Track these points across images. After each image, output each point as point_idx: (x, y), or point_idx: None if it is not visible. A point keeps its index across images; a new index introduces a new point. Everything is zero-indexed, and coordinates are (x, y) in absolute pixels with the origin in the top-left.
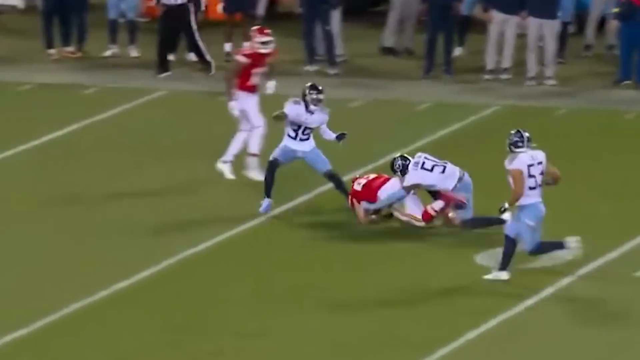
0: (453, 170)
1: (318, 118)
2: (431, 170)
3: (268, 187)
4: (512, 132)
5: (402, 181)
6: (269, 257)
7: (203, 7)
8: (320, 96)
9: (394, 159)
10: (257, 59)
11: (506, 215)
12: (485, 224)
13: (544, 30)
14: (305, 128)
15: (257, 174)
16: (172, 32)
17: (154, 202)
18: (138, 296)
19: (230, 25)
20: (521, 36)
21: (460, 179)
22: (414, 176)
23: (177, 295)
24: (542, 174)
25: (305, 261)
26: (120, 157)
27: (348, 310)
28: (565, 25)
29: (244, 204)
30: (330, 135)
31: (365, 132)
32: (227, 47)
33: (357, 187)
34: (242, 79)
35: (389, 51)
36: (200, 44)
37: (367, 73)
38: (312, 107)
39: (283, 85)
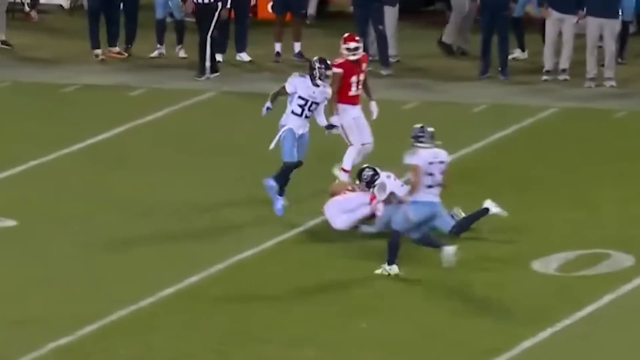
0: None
1: (323, 93)
2: (401, 186)
3: (283, 185)
4: (416, 126)
5: (378, 194)
6: (317, 262)
7: (228, 5)
8: (329, 72)
9: (363, 168)
10: (349, 67)
11: (487, 203)
12: (472, 221)
13: (604, 30)
14: (312, 103)
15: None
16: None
17: (202, 205)
18: (184, 302)
19: (280, 25)
20: (580, 36)
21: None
22: (390, 186)
23: (223, 301)
24: (442, 173)
25: (353, 266)
26: (168, 160)
27: (398, 315)
28: (625, 24)
29: (295, 208)
30: (322, 120)
31: None
32: (277, 47)
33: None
34: (341, 92)
35: (445, 47)
36: (209, 46)
37: (421, 74)
38: (318, 81)
39: None
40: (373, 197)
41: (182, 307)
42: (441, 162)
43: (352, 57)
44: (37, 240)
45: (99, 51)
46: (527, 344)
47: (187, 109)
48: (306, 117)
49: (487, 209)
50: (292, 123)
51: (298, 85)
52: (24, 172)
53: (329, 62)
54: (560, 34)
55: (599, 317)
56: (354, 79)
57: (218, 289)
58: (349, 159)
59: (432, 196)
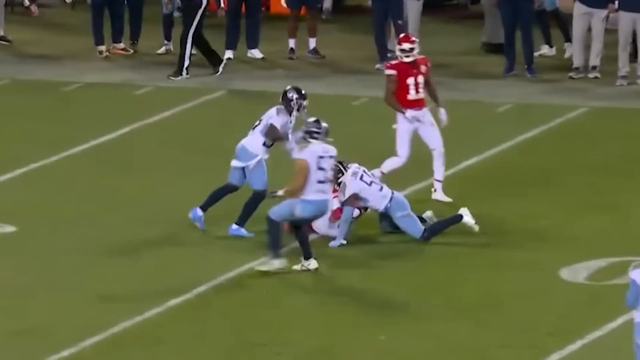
0: (387, 192)
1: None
2: (369, 184)
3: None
4: (310, 120)
5: (340, 192)
6: (331, 270)
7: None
8: (306, 102)
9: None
10: (404, 69)
11: (463, 211)
12: (443, 227)
13: (637, 25)
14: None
15: (440, 195)
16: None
17: (211, 209)
18: (191, 313)
19: (294, 20)
20: (611, 32)
21: (390, 199)
22: (353, 186)
23: (232, 311)
24: (332, 169)
25: (368, 275)
26: (175, 162)
27: (416, 327)
28: None
29: None
30: (292, 147)
31: (442, 135)
32: (291, 43)
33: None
34: (399, 96)
35: (488, 47)
36: (189, 45)
37: (443, 72)
38: (296, 114)
39: (352, 86)
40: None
41: (190, 317)
42: (331, 157)
43: (406, 59)
44: (37, 247)
45: (102, 47)
46: (555, 357)
47: (195, 108)
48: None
49: (460, 216)
50: (262, 154)
51: (282, 123)
52: (24, 175)
53: (304, 91)
54: (589, 29)
55: (631, 328)
56: (410, 81)
57: (227, 299)
58: (389, 164)
59: (323, 194)
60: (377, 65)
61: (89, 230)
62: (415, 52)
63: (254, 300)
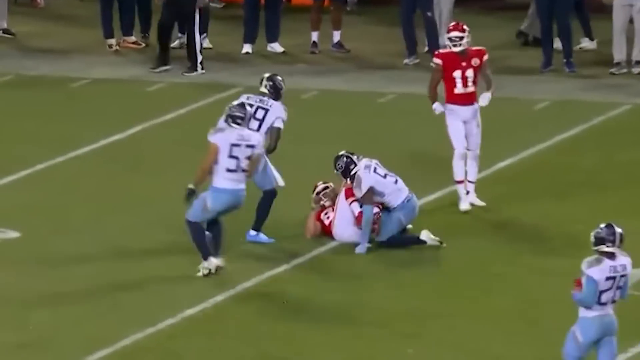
0: (404, 186)
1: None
2: (384, 177)
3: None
4: (235, 103)
5: (355, 188)
6: (358, 279)
7: None
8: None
9: (338, 156)
10: (451, 60)
11: (424, 235)
12: (404, 245)
13: None
14: None
15: (464, 204)
16: (170, 18)
17: (233, 215)
18: (208, 324)
19: (317, 12)
20: None
21: (407, 199)
22: (367, 179)
23: (251, 323)
24: (249, 158)
25: (403, 280)
26: (188, 162)
27: (445, 340)
28: None
29: None
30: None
31: None
32: (314, 36)
33: (325, 220)
34: (446, 89)
35: (521, 35)
36: (198, 38)
37: None
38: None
39: (379, 82)
40: (349, 190)
41: (206, 329)
42: (249, 147)
43: (455, 49)
44: (42, 254)
45: (112, 41)
46: None
47: (211, 105)
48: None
49: (424, 242)
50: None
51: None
52: (28, 176)
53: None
54: (630, 21)
55: None
56: (457, 73)
57: (246, 309)
58: (455, 167)
59: (233, 182)
60: (406, 60)
61: (97, 235)
62: (464, 41)
63: (274, 311)
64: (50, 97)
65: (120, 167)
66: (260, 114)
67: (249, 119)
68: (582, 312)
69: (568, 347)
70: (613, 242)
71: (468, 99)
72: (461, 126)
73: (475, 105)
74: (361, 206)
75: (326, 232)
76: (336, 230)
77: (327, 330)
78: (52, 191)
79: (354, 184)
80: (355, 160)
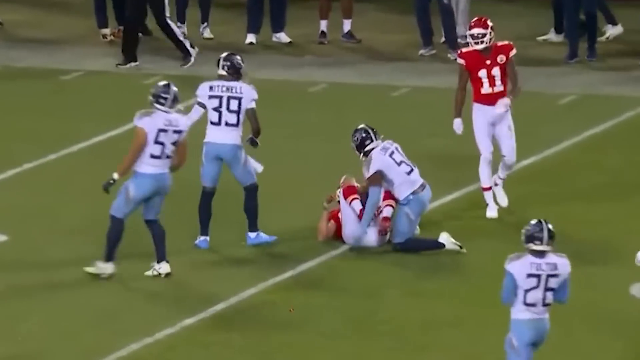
0: (417, 179)
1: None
2: (398, 164)
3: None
4: (160, 84)
5: (364, 167)
6: (367, 287)
7: None
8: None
9: (357, 129)
10: (474, 58)
11: (444, 238)
12: (422, 248)
13: None
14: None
15: (492, 211)
16: (140, 9)
17: (232, 213)
18: (208, 334)
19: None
20: None
21: (415, 193)
22: (378, 161)
23: (255, 332)
24: (175, 143)
25: (420, 288)
26: (190, 162)
27: (467, 350)
28: None
29: None
30: None
31: None
32: (323, 25)
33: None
34: (473, 88)
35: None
36: (173, 26)
37: None
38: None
39: (392, 74)
40: (347, 189)
41: (207, 340)
42: (177, 132)
43: (477, 47)
44: (32, 259)
45: (106, 30)
46: None
47: None
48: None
49: (443, 245)
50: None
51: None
52: (17, 176)
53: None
54: None
55: None
56: (482, 73)
57: (249, 318)
58: (482, 174)
59: (156, 168)
60: (421, 51)
61: (91, 239)
62: (487, 38)
63: (279, 321)
64: (40, 91)
65: (115, 165)
66: (234, 104)
67: (173, 101)
68: (513, 314)
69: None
70: (541, 240)
71: (497, 99)
72: (488, 127)
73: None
74: (362, 205)
75: (340, 234)
76: (344, 233)
77: (336, 342)
78: (43, 191)
79: (365, 162)
80: (373, 136)
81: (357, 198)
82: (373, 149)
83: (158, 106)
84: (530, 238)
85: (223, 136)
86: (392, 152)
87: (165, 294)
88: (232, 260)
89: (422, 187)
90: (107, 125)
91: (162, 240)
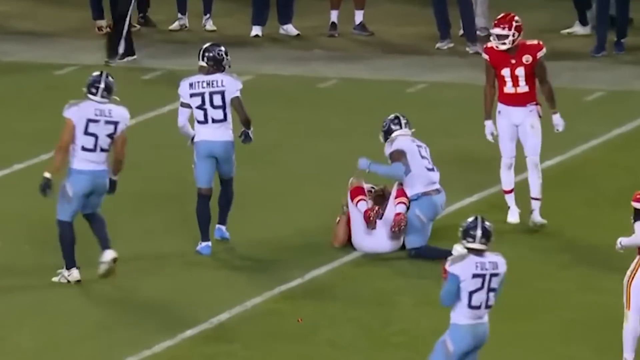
0: (434, 180)
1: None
2: (421, 156)
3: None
4: (95, 73)
5: (387, 144)
6: (381, 295)
7: None
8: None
9: (387, 117)
10: (498, 55)
11: (458, 250)
12: (435, 256)
13: None
14: None
15: (513, 215)
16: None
17: (235, 219)
18: (210, 346)
19: None
20: None
21: (427, 194)
22: (403, 142)
23: (261, 343)
24: (111, 136)
25: (435, 298)
26: (189, 162)
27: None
28: None
29: None
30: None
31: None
32: (333, 15)
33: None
34: (498, 87)
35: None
36: (127, 23)
37: None
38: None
39: (407, 69)
40: (354, 190)
41: (209, 352)
42: (110, 122)
43: (501, 47)
44: (23, 266)
45: (102, 22)
46: None
47: None
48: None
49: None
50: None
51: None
52: (7, 177)
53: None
54: None
55: None
56: (505, 72)
57: (254, 329)
58: (503, 177)
59: (92, 163)
60: (438, 44)
61: (86, 246)
62: (509, 40)
63: (286, 332)
64: (32, 86)
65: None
66: (217, 99)
67: (105, 90)
68: (454, 318)
69: (435, 358)
70: (474, 237)
71: (520, 100)
72: (511, 130)
73: (530, 107)
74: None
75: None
76: (354, 240)
77: (348, 353)
78: (34, 194)
79: (387, 142)
80: (402, 124)
81: (363, 199)
82: (399, 135)
83: (90, 96)
84: (464, 234)
85: (213, 133)
86: (419, 145)
87: (164, 303)
88: (236, 267)
89: (437, 191)
90: None
91: (102, 229)
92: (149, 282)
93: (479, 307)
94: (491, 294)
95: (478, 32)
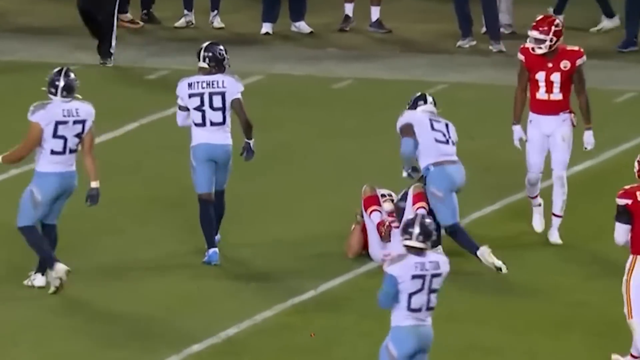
0: (447, 152)
1: None
2: (432, 128)
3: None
4: (57, 69)
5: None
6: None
7: None
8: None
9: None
10: (534, 57)
11: (482, 251)
12: (464, 244)
13: None
14: None
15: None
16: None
17: (243, 224)
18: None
19: None
20: None
21: (438, 164)
22: (411, 115)
23: (280, 357)
24: (79, 136)
25: (458, 309)
26: None
27: None
28: None
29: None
30: None
31: None
32: (348, 8)
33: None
34: (530, 92)
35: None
36: (115, 20)
37: None
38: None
39: (426, 69)
40: (367, 200)
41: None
42: (78, 122)
43: (537, 51)
44: (18, 277)
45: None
46: None
47: None
48: None
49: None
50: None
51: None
52: (3, 183)
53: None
54: None
55: None
56: (540, 75)
57: (265, 344)
58: (528, 190)
59: (61, 165)
60: (459, 43)
61: (84, 255)
62: (546, 44)
63: (298, 347)
64: (28, 87)
65: (113, 171)
66: (217, 101)
67: (64, 89)
68: (394, 320)
69: None
70: (410, 235)
71: (552, 108)
72: (542, 142)
73: (563, 116)
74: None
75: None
76: (371, 250)
77: None
78: None
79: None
80: (429, 100)
81: (377, 210)
82: (408, 110)
83: (51, 96)
84: (403, 231)
85: (211, 136)
86: (435, 120)
87: (169, 317)
88: (245, 278)
89: (452, 162)
90: (104, 127)
91: (54, 245)
92: (152, 293)
93: (419, 310)
94: (432, 296)
95: (502, 30)
